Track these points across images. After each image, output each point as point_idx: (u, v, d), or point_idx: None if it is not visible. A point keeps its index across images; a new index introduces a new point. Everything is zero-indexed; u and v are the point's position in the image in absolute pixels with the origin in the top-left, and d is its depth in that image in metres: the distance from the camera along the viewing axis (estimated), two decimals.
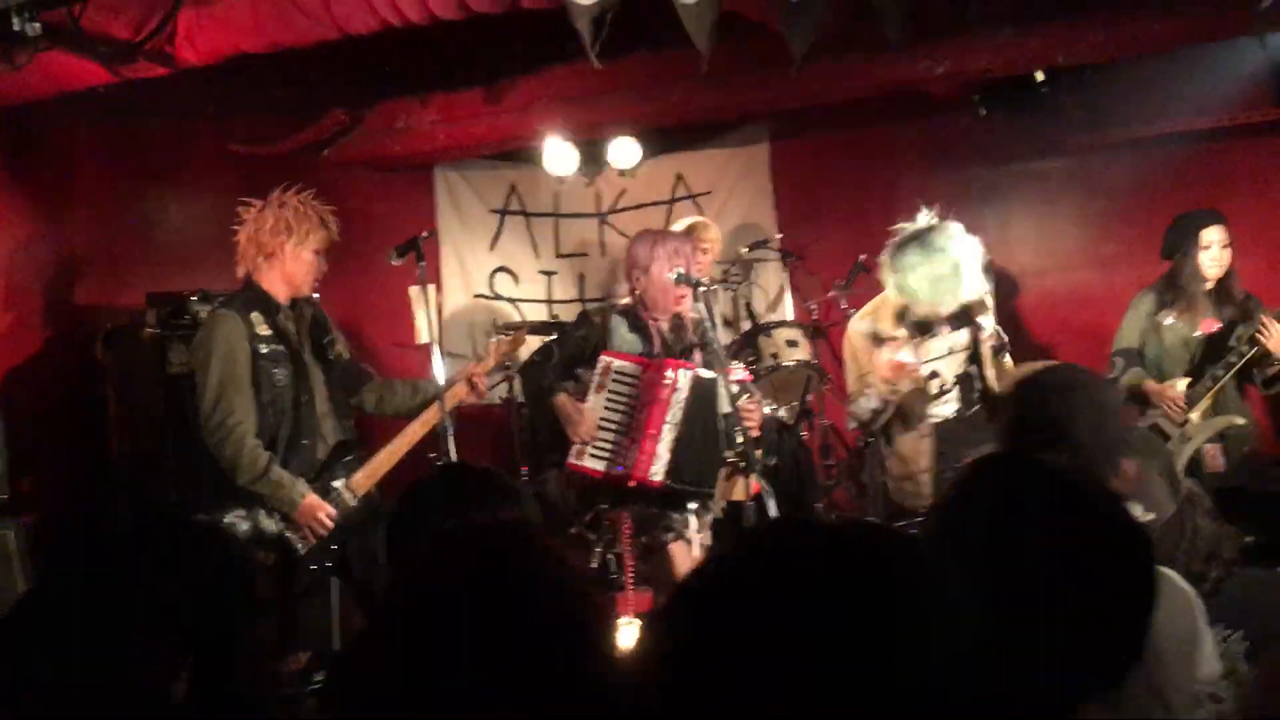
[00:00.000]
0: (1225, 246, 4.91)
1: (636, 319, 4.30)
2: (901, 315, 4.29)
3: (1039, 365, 3.08)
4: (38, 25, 2.79)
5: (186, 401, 4.78)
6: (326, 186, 6.33)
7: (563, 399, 4.18)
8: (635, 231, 6.89)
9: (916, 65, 4.99)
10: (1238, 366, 4.70)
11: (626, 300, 4.35)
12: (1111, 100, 5.83)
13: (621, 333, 4.27)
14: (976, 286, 4.14)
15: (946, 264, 4.06)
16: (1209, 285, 4.93)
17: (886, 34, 3.69)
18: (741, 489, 4.32)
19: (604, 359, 4.18)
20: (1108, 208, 6.29)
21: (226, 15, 3.82)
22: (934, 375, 4.33)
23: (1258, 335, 4.64)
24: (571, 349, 4.32)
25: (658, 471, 4.09)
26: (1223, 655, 2.45)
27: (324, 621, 4.18)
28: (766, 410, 3.94)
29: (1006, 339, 4.37)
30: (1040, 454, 2.21)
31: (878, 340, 4.24)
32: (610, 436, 4.15)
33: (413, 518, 2.17)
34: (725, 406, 4.14)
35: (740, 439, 4.06)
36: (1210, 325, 4.91)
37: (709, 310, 4.22)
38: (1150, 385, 4.85)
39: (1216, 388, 4.75)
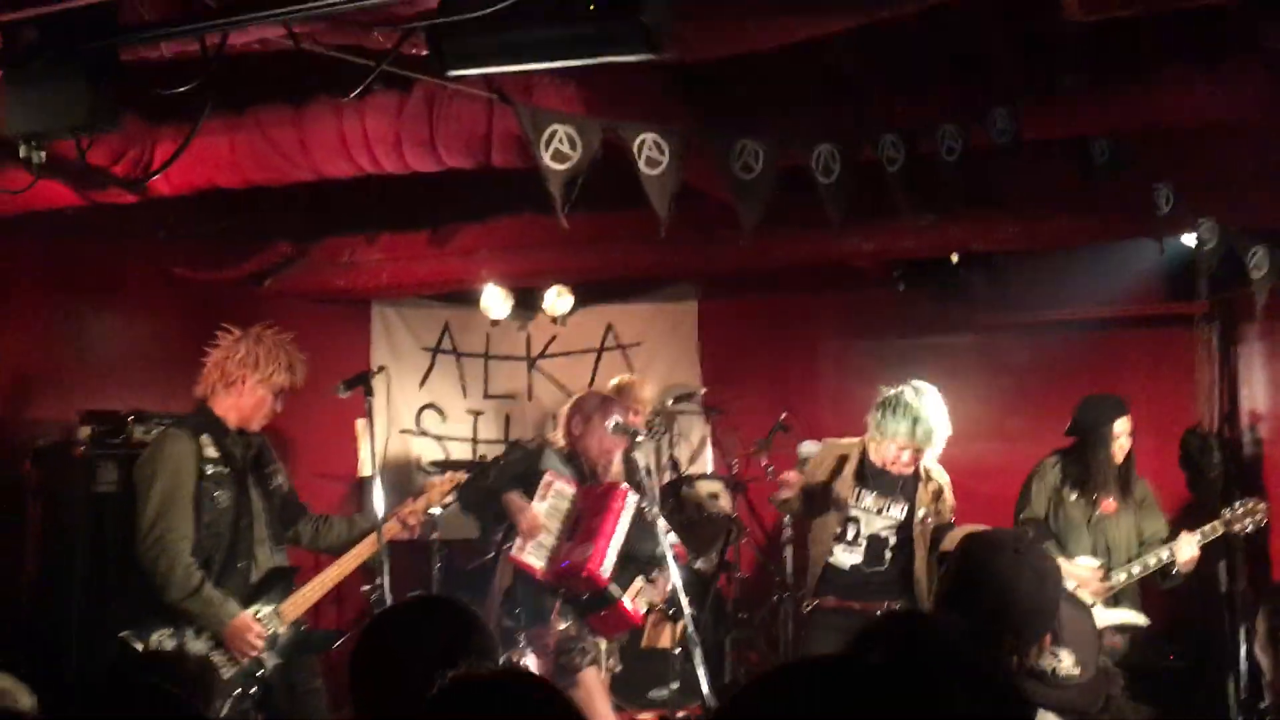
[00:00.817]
0: (1130, 435, 5.22)
1: (570, 455, 4.73)
2: (860, 469, 4.57)
3: (985, 527, 3.28)
4: (44, 154, 2.88)
5: (111, 521, 4.74)
6: (265, 315, 6.39)
7: (511, 494, 4.62)
8: (563, 376, 7.18)
9: (846, 242, 5.33)
10: (1152, 570, 4.98)
11: (561, 443, 4.64)
12: (1020, 285, 6.28)
13: (554, 462, 4.60)
14: (938, 452, 4.49)
15: (927, 422, 4.40)
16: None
17: (829, 214, 3.97)
18: (668, 636, 4.45)
19: (547, 476, 4.63)
20: (1011, 384, 6.67)
21: (205, 151, 3.94)
22: (852, 520, 4.53)
23: (1173, 550, 4.95)
24: (509, 469, 4.75)
25: (606, 570, 4.43)
26: None
27: None
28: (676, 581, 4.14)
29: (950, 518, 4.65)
30: (976, 609, 2.39)
31: (817, 472, 4.59)
32: (549, 540, 4.55)
33: (387, 645, 2.22)
34: (662, 546, 4.29)
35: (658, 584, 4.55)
36: (1110, 507, 5.19)
37: (643, 461, 4.45)
38: (1064, 565, 5.03)
39: (1132, 582, 5.00)
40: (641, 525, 4.50)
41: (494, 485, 4.64)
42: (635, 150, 3.61)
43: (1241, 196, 4.50)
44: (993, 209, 5.02)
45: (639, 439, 4.44)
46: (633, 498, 4.56)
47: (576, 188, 3.53)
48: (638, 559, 4.58)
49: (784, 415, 6.52)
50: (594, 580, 4.39)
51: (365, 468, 4.92)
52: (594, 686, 4.46)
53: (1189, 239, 4.65)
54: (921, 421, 4.41)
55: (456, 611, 2.36)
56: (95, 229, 5.30)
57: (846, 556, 4.52)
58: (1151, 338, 6.33)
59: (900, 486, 4.58)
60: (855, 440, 4.74)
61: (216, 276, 6.06)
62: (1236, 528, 4.99)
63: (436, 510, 4.37)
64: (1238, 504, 5.02)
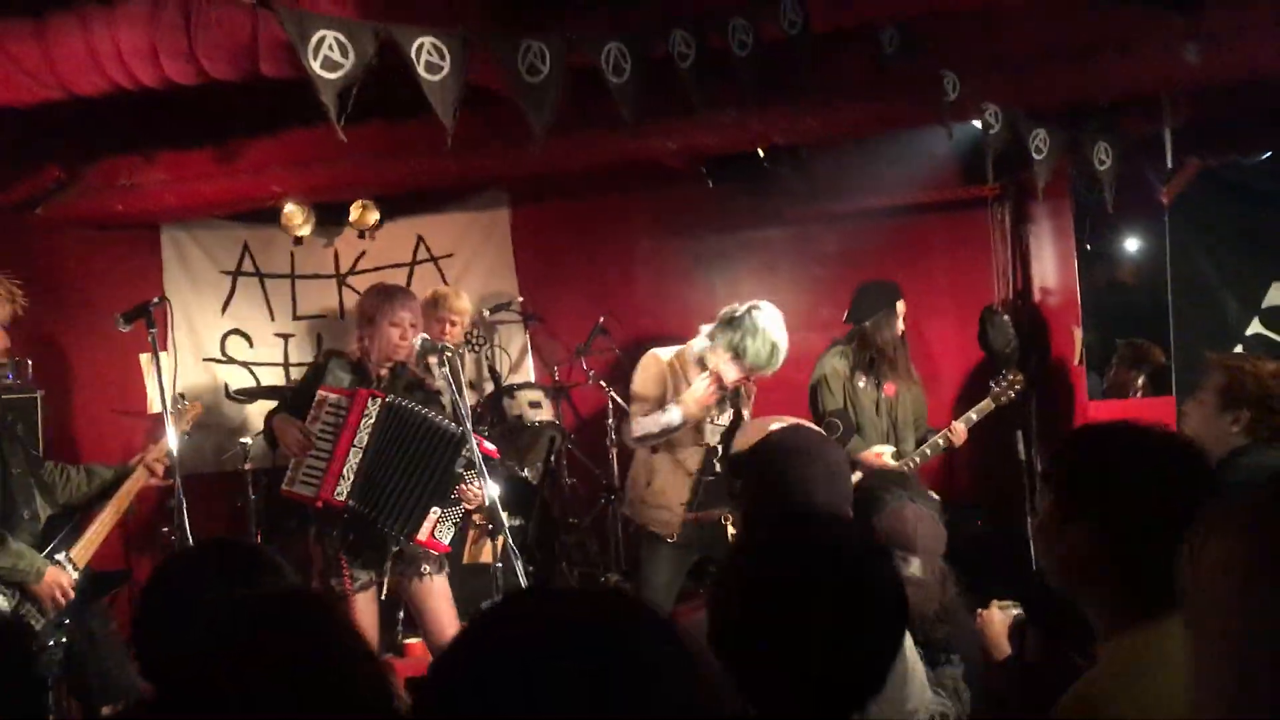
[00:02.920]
0: (904, 316, 5.46)
1: (358, 364, 4.45)
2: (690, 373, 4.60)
3: (773, 425, 3.32)
4: None
5: None
6: (41, 245, 6.04)
7: (278, 419, 4.32)
8: None
9: (650, 141, 5.26)
10: (937, 453, 5.34)
11: (353, 350, 4.45)
12: (826, 176, 6.36)
13: (337, 373, 4.39)
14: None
15: (780, 347, 4.45)
16: None
17: (622, 114, 3.89)
18: (489, 551, 4.40)
19: (319, 393, 4.31)
20: (823, 273, 6.80)
21: None
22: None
23: (949, 435, 5.31)
24: (297, 392, 4.49)
25: (341, 491, 4.20)
26: (946, 678, 2.74)
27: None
28: (491, 493, 4.06)
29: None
30: (771, 507, 2.43)
31: (699, 367, 4.55)
32: (318, 464, 4.25)
33: (174, 591, 2.12)
34: (457, 465, 4.23)
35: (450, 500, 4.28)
36: (890, 389, 5.43)
37: (455, 376, 4.31)
38: (866, 455, 5.20)
39: (922, 464, 5.29)
40: (408, 430, 4.26)
41: (269, 414, 4.39)
42: (413, 55, 3.43)
43: (1023, 80, 4.61)
44: (791, 102, 5.02)
45: (447, 355, 4.29)
46: (374, 401, 4.25)
47: (352, 97, 3.34)
48: (417, 469, 4.26)
49: (602, 319, 6.50)
50: (330, 505, 4.21)
51: (154, 404, 4.67)
52: (361, 612, 4.23)
53: (977, 124, 4.75)
54: (778, 348, 4.44)
55: (243, 551, 2.27)
56: None
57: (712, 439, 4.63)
58: (950, 221, 6.53)
59: (726, 395, 4.64)
60: (679, 348, 4.71)
61: None
62: (1003, 399, 5.34)
63: (180, 441, 4.21)
64: (1000, 378, 5.36)
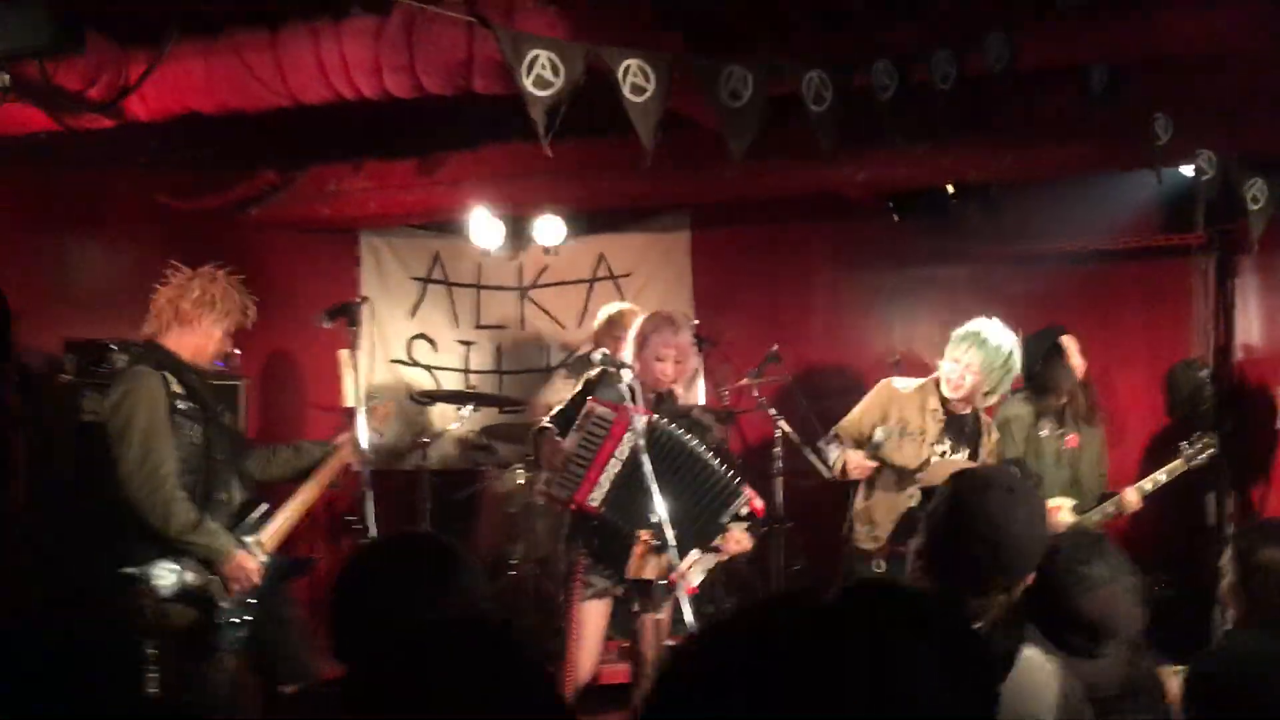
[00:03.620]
0: (1081, 355, 5.26)
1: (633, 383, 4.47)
2: (936, 409, 4.69)
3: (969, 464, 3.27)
4: (7, 77, 2.80)
5: (99, 451, 4.72)
6: (250, 244, 6.41)
7: (546, 437, 4.40)
8: (555, 307, 7.13)
9: (839, 171, 5.25)
10: (1111, 517, 5.11)
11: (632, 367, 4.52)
12: (1015, 216, 6.20)
13: (607, 388, 4.39)
14: (998, 393, 4.70)
15: (987, 342, 4.60)
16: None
17: (820, 144, 3.89)
18: (654, 567, 4.42)
19: (588, 403, 4.35)
20: (1006, 315, 6.57)
21: (180, 75, 3.85)
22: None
23: (1120, 503, 5.10)
24: (570, 406, 4.48)
25: (595, 499, 4.23)
26: None
27: (225, 685, 4.14)
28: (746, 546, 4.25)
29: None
30: (966, 549, 2.36)
31: (897, 420, 4.71)
32: (575, 470, 4.30)
33: (372, 579, 2.21)
34: (724, 516, 4.28)
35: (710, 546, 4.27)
36: (1074, 440, 5.23)
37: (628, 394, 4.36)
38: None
39: (1104, 521, 5.07)
40: (672, 455, 4.24)
41: (544, 429, 4.43)
42: (620, 77, 3.52)
43: (1240, 126, 4.41)
44: (988, 138, 4.93)
45: (624, 372, 4.35)
46: (640, 419, 4.17)
47: (560, 115, 3.45)
48: (680, 501, 4.19)
49: (775, 346, 6.48)
50: (584, 509, 4.26)
51: (349, 398, 4.88)
52: (585, 619, 4.28)
53: (1187, 169, 4.56)
54: (982, 342, 4.57)
55: (440, 548, 2.33)
56: (79, 158, 5.22)
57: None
58: (1148, 270, 6.27)
59: (965, 432, 4.64)
60: (920, 380, 4.82)
61: (200, 205, 5.98)
62: (1195, 462, 5.07)
63: (374, 440, 4.38)
64: (1195, 438, 5.09)
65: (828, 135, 3.85)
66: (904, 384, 4.84)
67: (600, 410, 4.33)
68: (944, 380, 4.67)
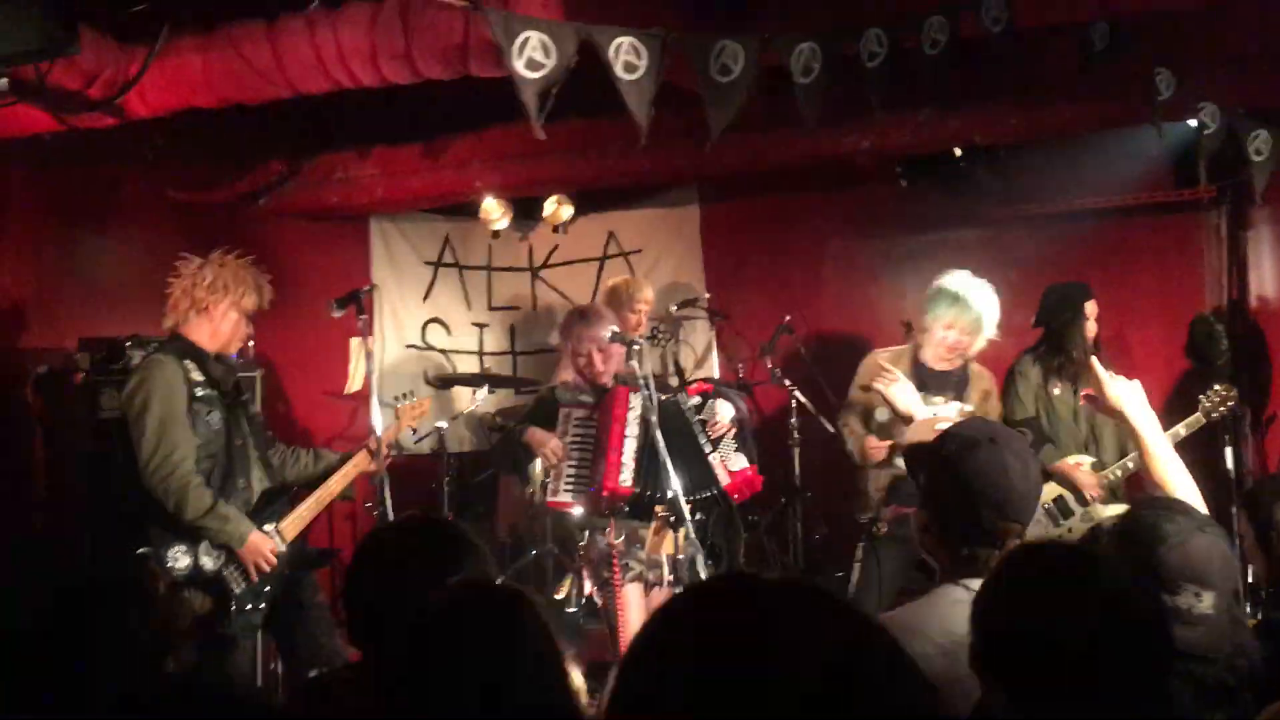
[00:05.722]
0: (1097, 319, 5.22)
1: (578, 385, 4.61)
2: (915, 370, 4.68)
3: (940, 425, 3.25)
4: (5, 80, 2.84)
5: (117, 446, 4.78)
6: (262, 235, 6.45)
7: (532, 430, 4.50)
8: (567, 286, 7.15)
9: (843, 140, 5.23)
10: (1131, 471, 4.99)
11: (567, 376, 4.68)
12: (1024, 177, 6.15)
13: (565, 398, 4.56)
14: (984, 339, 4.70)
15: (969, 302, 4.60)
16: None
17: (802, 115, 3.88)
18: (670, 543, 4.46)
19: (562, 410, 4.48)
20: (1020, 277, 6.55)
21: (178, 70, 3.88)
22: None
23: None
24: (527, 417, 4.65)
25: (626, 479, 4.31)
26: None
27: (245, 667, 4.21)
28: (729, 411, 4.44)
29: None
30: (971, 510, 2.35)
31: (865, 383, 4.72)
32: (578, 470, 4.42)
33: (383, 563, 2.25)
34: (691, 416, 4.43)
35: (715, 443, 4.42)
36: (1089, 394, 5.17)
37: (641, 369, 4.38)
38: (1062, 466, 5.04)
39: (1125, 477, 5.00)
40: (660, 411, 4.31)
41: (517, 429, 4.56)
42: (611, 55, 3.52)
43: (1242, 78, 4.37)
44: (992, 100, 4.90)
45: (636, 346, 4.37)
46: (635, 395, 4.38)
47: (552, 97, 3.45)
48: (682, 447, 4.34)
49: (788, 318, 6.48)
50: (617, 494, 4.31)
51: (354, 384, 4.95)
52: (630, 602, 4.35)
53: (1192, 124, 4.52)
54: (963, 301, 4.56)
55: (449, 532, 2.37)
56: (87, 154, 5.27)
57: None
58: (1159, 225, 6.22)
59: (951, 383, 4.63)
60: (901, 347, 4.85)
61: (210, 197, 6.03)
62: (1215, 415, 4.98)
63: (408, 438, 4.41)
64: (1213, 392, 5.00)
65: (812, 107, 3.85)
66: (885, 354, 4.85)
67: (577, 413, 4.47)
68: (935, 347, 4.66)
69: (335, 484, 4.27)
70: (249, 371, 5.69)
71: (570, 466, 4.41)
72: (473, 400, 6.35)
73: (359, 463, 4.31)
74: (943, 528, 2.41)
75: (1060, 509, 5.06)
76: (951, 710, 1.97)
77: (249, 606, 3.99)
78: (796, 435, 6.27)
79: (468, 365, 7.04)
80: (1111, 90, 4.56)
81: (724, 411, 4.45)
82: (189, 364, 4.01)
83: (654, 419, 4.16)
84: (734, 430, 4.53)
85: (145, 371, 3.99)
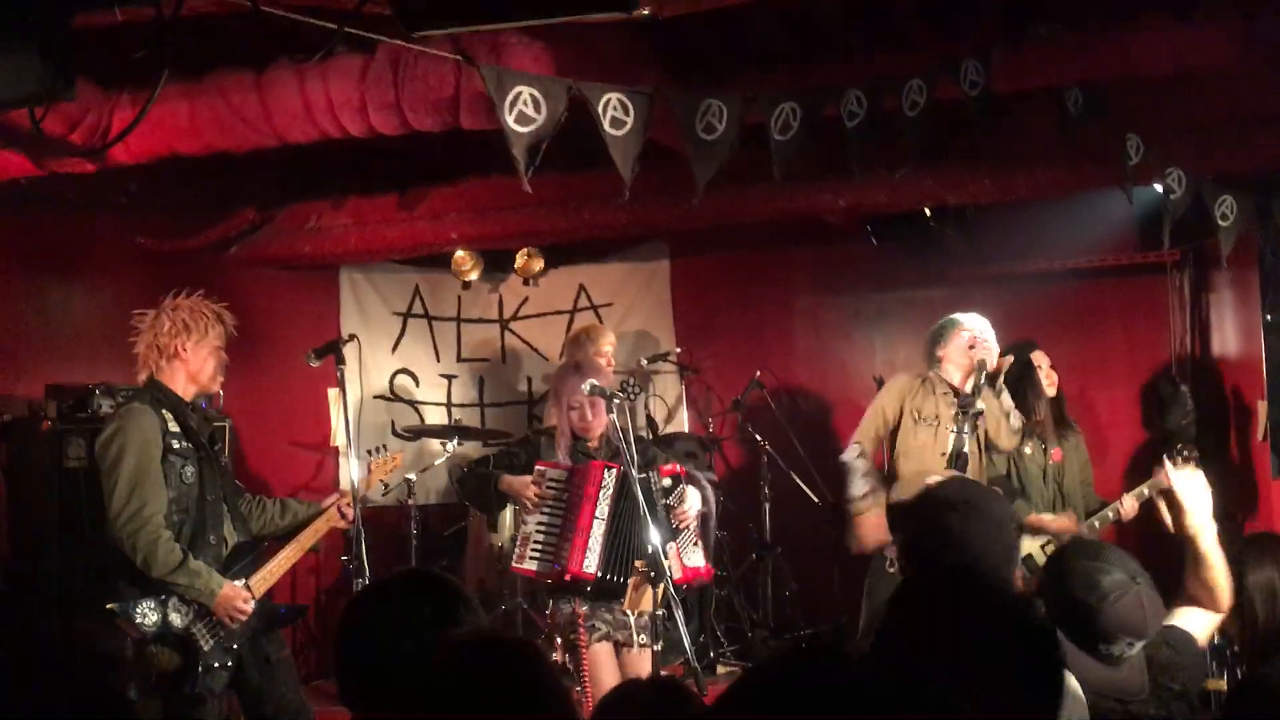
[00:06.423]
0: (1052, 368, 5.31)
1: (564, 437, 4.50)
2: (946, 392, 4.87)
3: (931, 478, 3.28)
4: None
5: (83, 496, 4.68)
6: (232, 284, 6.36)
7: (508, 477, 4.40)
8: (536, 338, 7.14)
9: (820, 197, 5.29)
10: (1109, 524, 5.10)
11: (553, 424, 4.57)
12: (993, 238, 6.26)
13: (545, 450, 4.47)
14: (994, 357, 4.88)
15: (981, 320, 4.92)
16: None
17: (774, 171, 3.92)
18: (649, 599, 4.42)
19: (537, 467, 4.37)
20: None
21: (164, 117, 3.85)
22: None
23: (1119, 508, 5.10)
24: (505, 461, 4.53)
25: (590, 565, 4.23)
26: None
27: None
28: (696, 503, 4.38)
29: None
30: (936, 564, 2.39)
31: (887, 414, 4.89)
32: (545, 539, 4.31)
33: (378, 620, 2.20)
34: (659, 500, 4.31)
35: (676, 532, 4.34)
36: (1058, 455, 5.26)
37: (619, 420, 4.36)
38: (1040, 519, 5.10)
39: (1103, 528, 5.08)
40: (636, 492, 4.17)
41: (492, 474, 4.45)
42: (600, 111, 3.56)
43: (1210, 145, 4.49)
44: (965, 162, 4.99)
45: (615, 400, 4.36)
46: (610, 473, 4.29)
47: (540, 151, 3.47)
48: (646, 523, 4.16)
49: (759, 373, 6.52)
50: (580, 579, 4.24)
51: (338, 436, 4.89)
52: (599, 662, 4.27)
53: (1157, 188, 4.64)
54: (970, 314, 4.87)
55: (443, 586, 2.32)
56: (58, 200, 5.21)
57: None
58: (1125, 287, 6.35)
59: (970, 413, 4.71)
60: (906, 381, 4.96)
61: (181, 245, 5.97)
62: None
63: (377, 491, 4.32)
64: (1176, 452, 5.07)
65: (784, 163, 3.90)
66: (908, 378, 5.00)
67: (552, 473, 4.37)
68: (958, 354, 4.83)
69: (306, 539, 4.18)
70: (219, 421, 5.61)
71: (539, 533, 4.33)
72: (445, 453, 6.30)
73: (330, 517, 4.23)
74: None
75: (1029, 567, 5.09)
76: None
77: (215, 665, 3.89)
78: (767, 491, 6.28)
79: (436, 417, 6.98)
80: (1084, 155, 4.66)
81: (692, 501, 4.39)
82: (166, 414, 3.94)
83: (634, 473, 4.13)
84: (696, 523, 4.50)
85: (122, 420, 3.91)
